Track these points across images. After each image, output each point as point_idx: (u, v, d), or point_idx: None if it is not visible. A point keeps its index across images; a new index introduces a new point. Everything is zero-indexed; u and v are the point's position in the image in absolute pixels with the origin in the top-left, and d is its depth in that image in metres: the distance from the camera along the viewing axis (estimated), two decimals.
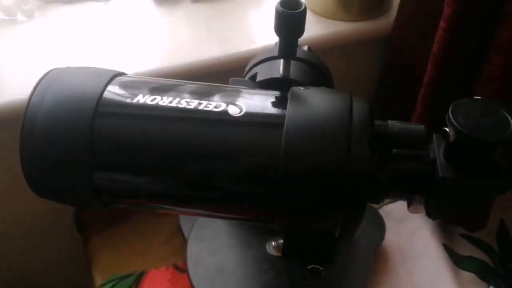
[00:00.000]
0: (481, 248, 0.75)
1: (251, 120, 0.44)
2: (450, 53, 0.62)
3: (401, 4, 0.75)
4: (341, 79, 0.60)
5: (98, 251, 0.75)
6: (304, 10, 0.44)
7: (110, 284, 0.70)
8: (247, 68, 0.56)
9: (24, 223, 0.87)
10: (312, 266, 0.51)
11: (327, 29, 0.80)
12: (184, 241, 0.70)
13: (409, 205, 0.47)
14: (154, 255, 0.73)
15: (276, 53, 0.53)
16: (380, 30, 0.82)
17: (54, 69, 0.48)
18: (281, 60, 0.50)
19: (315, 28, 0.79)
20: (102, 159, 0.44)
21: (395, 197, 0.48)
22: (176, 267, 0.71)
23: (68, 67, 0.49)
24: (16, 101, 0.69)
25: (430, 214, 0.47)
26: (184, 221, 0.72)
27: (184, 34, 0.80)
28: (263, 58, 0.54)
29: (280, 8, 0.44)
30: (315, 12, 0.82)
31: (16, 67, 0.74)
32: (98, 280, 0.71)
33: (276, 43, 0.56)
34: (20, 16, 0.83)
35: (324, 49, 0.75)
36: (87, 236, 0.78)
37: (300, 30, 0.45)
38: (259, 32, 0.81)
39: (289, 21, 0.45)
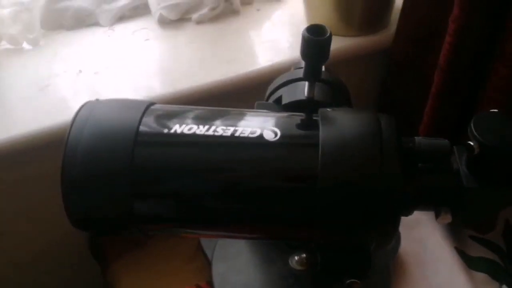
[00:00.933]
0: (490, 249, 0.78)
1: (287, 143, 0.46)
2: (456, 66, 0.64)
3: (401, 19, 0.78)
4: None
5: (118, 276, 0.75)
6: (330, 36, 0.46)
7: None
8: (268, 91, 0.58)
9: (39, 254, 0.87)
10: (351, 280, 0.52)
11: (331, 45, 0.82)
12: (206, 261, 0.71)
13: (437, 216, 0.49)
14: (175, 277, 0.74)
15: (297, 76, 0.56)
16: (380, 44, 0.85)
17: (87, 102, 0.49)
18: (306, 83, 0.51)
19: None
20: (143, 185, 0.45)
21: (423, 209, 0.50)
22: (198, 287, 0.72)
23: (99, 100, 0.50)
24: (30, 133, 0.69)
25: (456, 223, 0.50)
26: (206, 241, 0.73)
27: (188, 57, 0.81)
28: (285, 81, 0.56)
29: (307, 34, 0.46)
30: None
31: (26, 98, 0.75)
32: None
33: (294, 66, 0.59)
34: (25, 45, 0.83)
35: (328, 64, 0.77)
36: (105, 262, 0.78)
37: (326, 55, 0.47)
38: (261, 53, 0.83)
39: (316, 47, 0.46)
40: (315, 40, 0.46)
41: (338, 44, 0.82)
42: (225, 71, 0.77)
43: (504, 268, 0.76)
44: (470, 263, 0.76)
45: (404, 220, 0.79)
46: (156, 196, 0.46)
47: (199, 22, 0.88)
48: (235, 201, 0.45)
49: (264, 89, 0.72)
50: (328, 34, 0.46)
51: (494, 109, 0.61)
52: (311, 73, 0.50)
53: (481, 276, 0.74)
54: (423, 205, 0.49)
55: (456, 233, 0.79)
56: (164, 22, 0.88)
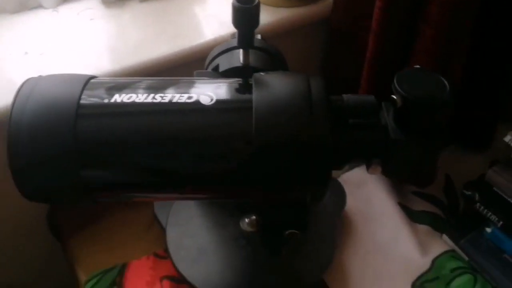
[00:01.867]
0: (432, 203, 0.83)
1: (223, 106, 0.48)
2: (387, 30, 0.68)
3: None
4: (289, 61, 0.65)
5: (78, 251, 0.77)
6: (258, 4, 0.49)
7: (95, 279, 0.73)
8: (207, 60, 0.60)
9: (3, 236, 0.88)
10: (290, 231, 0.56)
11: (269, 16, 0.85)
12: (161, 230, 0.74)
13: (368, 168, 0.52)
14: (133, 247, 0.76)
15: (233, 45, 0.58)
16: (320, 14, 0.88)
17: (29, 79, 0.51)
18: (241, 50, 0.54)
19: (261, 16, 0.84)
20: (89, 157, 0.47)
21: (355, 162, 0.53)
22: (156, 255, 0.75)
23: (41, 76, 0.52)
24: None
25: (386, 174, 0.54)
26: (159, 209, 0.75)
27: (134, 34, 0.83)
28: (222, 50, 0.58)
29: (237, 3, 0.48)
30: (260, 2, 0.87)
31: None
32: (83, 278, 0.74)
33: (231, 35, 0.61)
34: None
35: (268, 37, 0.80)
36: (64, 238, 0.80)
37: (256, 22, 0.50)
38: (205, 26, 0.85)
39: (246, 15, 0.49)
40: (244, 8, 0.48)
41: (279, 15, 0.85)
42: (171, 46, 0.79)
43: (445, 220, 0.81)
44: (413, 216, 0.80)
45: (350, 179, 0.84)
46: (102, 165, 0.49)
47: (143, 0, 0.89)
48: (176, 164, 0.48)
49: None
50: (257, 1, 0.49)
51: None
52: (244, 40, 0.52)
53: (424, 228, 0.79)
54: (354, 158, 0.52)
55: (400, 190, 0.83)
56: (109, 2, 0.89)
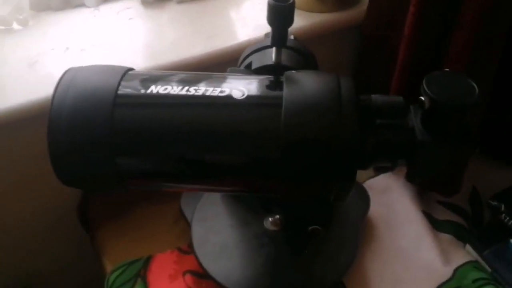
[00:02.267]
0: (456, 212, 0.83)
1: (253, 101, 0.50)
2: (419, 34, 0.68)
3: None
4: (320, 65, 0.67)
5: (106, 242, 0.80)
6: (293, 3, 0.50)
7: (121, 270, 0.75)
8: (241, 59, 0.62)
9: (28, 224, 0.91)
10: (313, 227, 0.57)
11: (304, 21, 0.86)
12: (187, 226, 0.76)
13: (392, 169, 0.53)
14: (159, 241, 0.78)
15: (266, 44, 0.60)
16: (354, 19, 0.89)
17: (70, 68, 0.53)
18: (273, 49, 0.56)
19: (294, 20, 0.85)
20: (124, 146, 0.49)
21: (381, 163, 0.54)
22: (180, 250, 0.77)
23: (81, 66, 0.54)
24: (20, 106, 0.73)
25: (410, 178, 0.54)
26: (186, 205, 0.77)
27: (170, 34, 0.85)
28: (255, 48, 0.60)
29: (272, 1, 0.50)
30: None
31: (17, 74, 0.78)
32: (109, 268, 0.76)
33: (265, 35, 0.63)
34: (15, 25, 0.87)
35: (304, 39, 0.81)
36: (93, 230, 0.83)
37: (290, 20, 0.52)
38: (240, 28, 0.87)
39: (280, 13, 0.51)
40: (279, 6, 0.50)
41: (313, 20, 0.86)
42: (205, 46, 0.81)
43: (469, 230, 0.80)
44: (436, 225, 0.80)
45: (374, 185, 0.84)
46: (136, 154, 0.51)
47: (180, 1, 0.92)
48: (206, 156, 0.50)
49: None
50: (292, 0, 0.50)
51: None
52: (277, 39, 0.54)
53: (447, 237, 0.79)
54: (380, 158, 0.53)
55: (424, 198, 0.83)
56: (147, 2, 0.92)
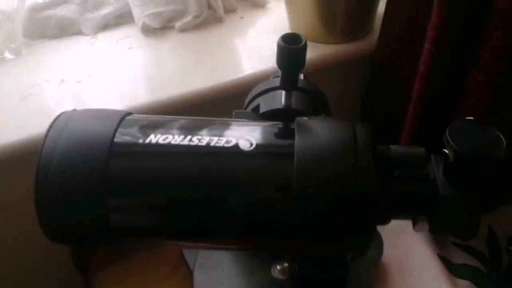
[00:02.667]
0: (473, 255, 0.78)
1: (262, 153, 0.45)
2: (436, 73, 0.65)
3: (383, 25, 0.78)
4: (327, 96, 0.62)
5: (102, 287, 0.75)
6: (305, 45, 0.46)
7: None
8: (247, 100, 0.58)
9: (21, 264, 0.87)
10: None
11: (313, 52, 0.82)
12: (188, 272, 0.71)
13: (414, 225, 0.49)
14: None
15: (275, 85, 0.56)
16: (363, 51, 0.85)
17: (63, 113, 0.49)
18: (283, 92, 0.52)
19: None
20: (120, 199, 0.45)
21: (400, 218, 0.50)
22: None
23: (76, 110, 0.50)
24: (12, 143, 0.69)
25: (433, 231, 0.50)
26: (188, 251, 0.73)
27: (172, 65, 0.81)
28: (263, 90, 0.56)
29: (282, 43, 0.46)
30: None
31: (9, 107, 0.74)
32: None
33: (273, 74, 0.59)
34: (7, 55, 0.83)
35: (310, 72, 0.78)
36: (88, 273, 0.78)
37: (302, 63, 0.48)
38: (245, 60, 0.83)
39: (291, 56, 0.47)
40: (290, 49, 0.46)
41: (320, 51, 0.83)
42: (208, 79, 0.77)
43: (487, 275, 0.76)
44: (453, 270, 0.76)
45: (388, 227, 0.79)
46: (132, 208, 0.46)
47: (183, 30, 0.88)
48: (211, 212, 0.45)
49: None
50: (303, 42, 0.46)
51: (472, 115, 0.62)
52: (288, 82, 0.50)
53: (464, 283, 0.74)
54: (400, 213, 0.49)
55: (440, 240, 0.79)
56: (148, 30, 0.88)
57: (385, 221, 0.49)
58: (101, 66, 0.82)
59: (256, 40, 0.87)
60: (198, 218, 0.46)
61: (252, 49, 0.84)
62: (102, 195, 0.44)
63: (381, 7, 0.83)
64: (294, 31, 0.91)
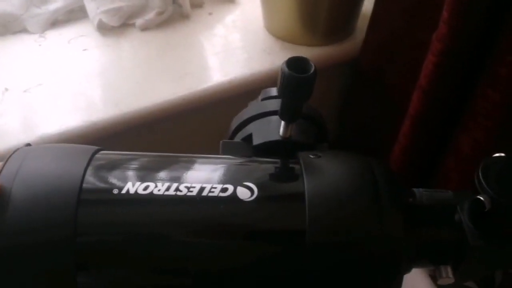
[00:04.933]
0: None
1: (266, 202, 0.38)
2: (440, 89, 0.58)
3: (371, 27, 0.71)
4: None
5: None
6: (314, 73, 0.39)
7: None
8: (233, 125, 0.50)
9: None
10: None
11: (293, 55, 0.74)
12: None
13: (438, 277, 0.43)
14: None
15: (267, 109, 0.48)
16: (345, 54, 0.78)
17: (16, 151, 0.40)
18: (282, 122, 0.44)
19: (282, 56, 0.74)
20: (91, 262, 0.36)
21: (422, 266, 0.44)
22: None
23: (33, 147, 0.41)
24: None
25: (458, 281, 0.44)
26: None
27: (134, 71, 0.72)
28: (254, 115, 0.48)
29: (288, 70, 0.38)
30: (278, 37, 0.77)
31: None
32: None
33: (262, 93, 0.51)
34: None
35: None
36: None
37: (309, 94, 0.40)
38: (217, 64, 0.75)
39: (298, 85, 0.39)
40: (299, 78, 0.38)
41: (300, 54, 0.74)
42: (176, 89, 0.68)
43: None
44: None
45: None
46: (105, 271, 0.38)
47: (145, 28, 0.78)
48: (210, 273, 0.37)
49: (221, 107, 0.63)
50: (313, 69, 0.39)
51: (483, 135, 0.56)
52: (290, 113, 0.42)
53: None
54: (422, 262, 0.43)
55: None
56: (105, 29, 0.78)
57: (407, 270, 0.43)
58: (52, 71, 0.71)
59: (228, 41, 0.78)
60: (196, 281, 0.38)
61: (224, 51, 0.76)
62: (69, 256, 0.35)
63: (365, 6, 0.77)
64: (269, 30, 0.83)
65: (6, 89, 0.67)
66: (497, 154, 0.43)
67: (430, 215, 0.41)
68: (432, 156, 0.66)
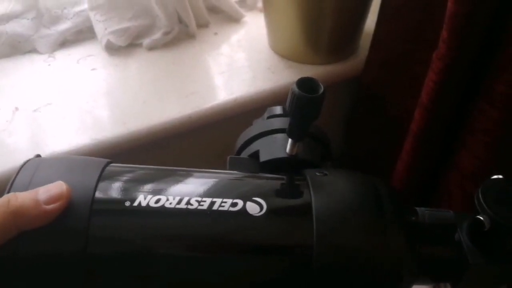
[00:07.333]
0: None
1: (275, 217, 0.39)
2: (441, 105, 0.60)
3: (374, 45, 0.73)
4: None
5: None
6: (323, 93, 0.40)
7: None
8: (240, 142, 0.51)
9: None
10: None
11: (297, 74, 0.76)
12: None
13: None
14: None
15: (274, 127, 0.49)
16: (348, 72, 0.79)
17: (27, 162, 0.41)
18: (289, 140, 0.45)
19: (286, 74, 0.75)
20: (100, 275, 0.37)
21: (421, 283, 0.45)
22: None
23: (45, 158, 0.42)
24: None
25: None
26: None
27: (142, 90, 0.73)
28: (261, 132, 0.49)
29: (298, 91, 0.40)
30: (283, 56, 0.79)
31: None
32: None
33: (268, 111, 0.53)
34: None
35: None
36: None
37: (318, 113, 0.41)
38: (223, 83, 0.76)
39: (307, 105, 0.41)
40: (309, 98, 0.40)
41: (304, 73, 0.76)
42: (183, 107, 0.70)
43: None
44: None
45: None
46: (115, 282, 0.38)
47: (151, 48, 0.80)
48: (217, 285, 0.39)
49: (227, 125, 0.65)
50: (322, 90, 0.40)
51: (483, 151, 0.57)
52: (297, 132, 0.44)
53: None
54: (422, 279, 0.44)
55: None
56: (112, 49, 0.79)
57: (408, 287, 0.44)
58: (61, 90, 0.72)
59: (233, 60, 0.79)
60: None
61: (230, 70, 0.77)
62: (80, 271, 0.36)
63: (367, 25, 0.78)
64: (274, 49, 0.85)
65: (17, 108, 0.69)
66: (495, 176, 0.44)
67: (432, 234, 0.43)
68: (434, 172, 0.67)
